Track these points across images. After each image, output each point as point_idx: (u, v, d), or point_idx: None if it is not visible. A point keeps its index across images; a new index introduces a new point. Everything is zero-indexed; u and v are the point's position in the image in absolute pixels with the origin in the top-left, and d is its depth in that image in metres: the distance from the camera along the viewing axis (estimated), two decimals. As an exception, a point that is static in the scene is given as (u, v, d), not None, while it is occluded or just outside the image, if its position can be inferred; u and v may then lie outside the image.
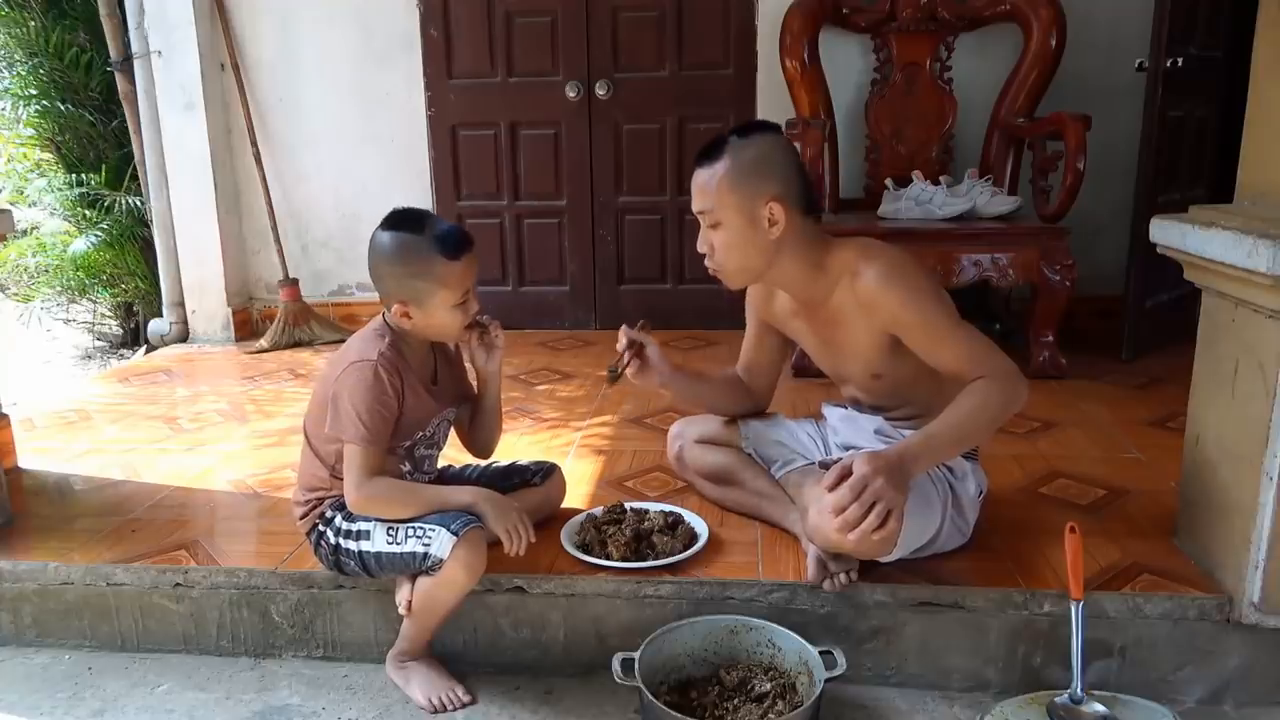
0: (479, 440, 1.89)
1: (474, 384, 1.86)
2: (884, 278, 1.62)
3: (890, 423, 1.80)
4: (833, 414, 1.92)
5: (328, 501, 1.71)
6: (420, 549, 1.59)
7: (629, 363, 1.80)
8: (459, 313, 1.65)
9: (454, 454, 2.08)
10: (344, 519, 1.68)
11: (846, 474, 1.46)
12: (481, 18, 3.62)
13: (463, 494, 1.68)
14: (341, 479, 1.65)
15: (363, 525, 1.65)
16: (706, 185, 1.64)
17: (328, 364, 1.70)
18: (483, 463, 1.96)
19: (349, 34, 3.67)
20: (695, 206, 1.68)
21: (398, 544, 1.61)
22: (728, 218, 1.64)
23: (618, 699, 1.67)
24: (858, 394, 1.84)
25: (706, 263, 1.72)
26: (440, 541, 1.57)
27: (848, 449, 1.83)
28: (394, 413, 1.64)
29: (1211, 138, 3.22)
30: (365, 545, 1.65)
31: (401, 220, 1.63)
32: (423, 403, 1.70)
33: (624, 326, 1.83)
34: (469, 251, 1.63)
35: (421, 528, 1.60)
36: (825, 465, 1.77)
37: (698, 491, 2.06)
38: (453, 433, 1.88)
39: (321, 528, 1.71)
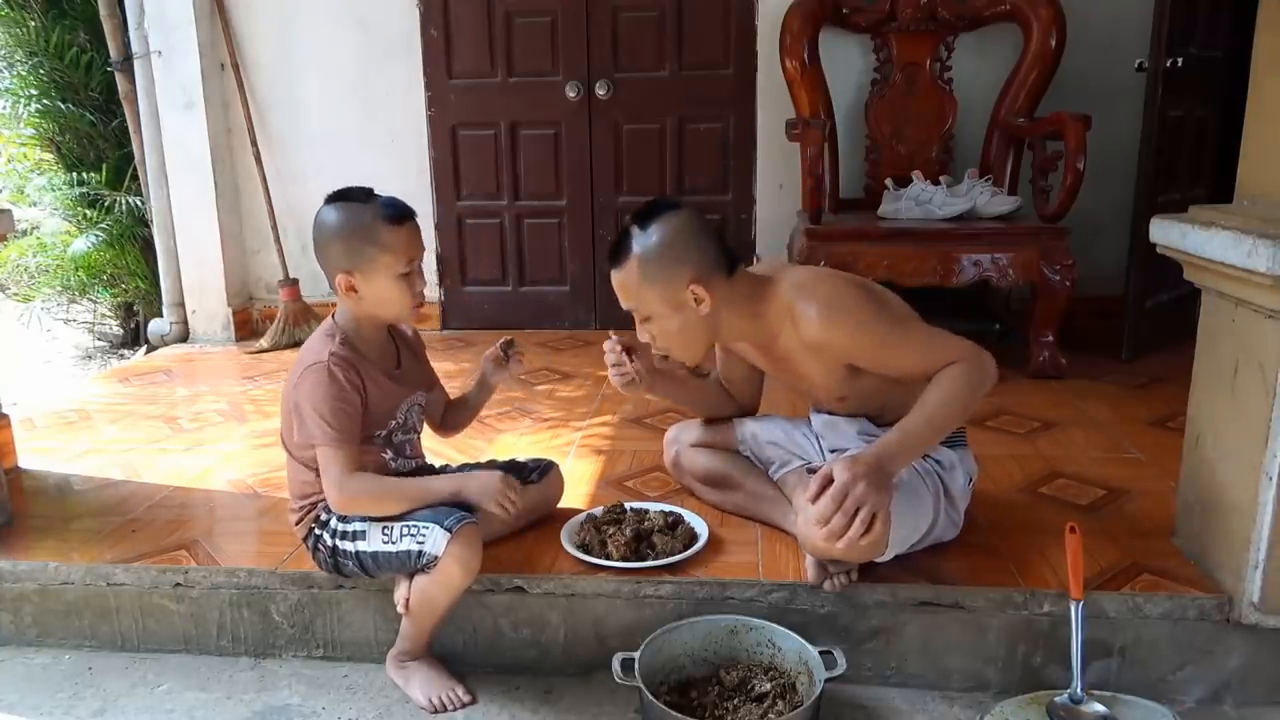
0: (450, 424, 1.95)
1: (437, 374, 1.90)
2: (824, 318, 1.61)
3: (872, 423, 1.81)
4: (817, 420, 1.91)
5: (321, 505, 1.70)
6: (415, 547, 1.59)
7: (629, 366, 1.81)
8: (404, 284, 1.65)
9: (451, 452, 2.08)
10: (339, 520, 1.68)
11: (828, 483, 1.46)
12: (481, 18, 3.62)
13: (446, 482, 1.69)
14: None
15: (358, 525, 1.66)
16: (625, 285, 1.67)
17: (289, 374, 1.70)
18: (483, 461, 1.99)
19: (349, 34, 3.67)
20: (623, 305, 1.70)
21: (393, 543, 1.61)
22: (655, 310, 1.66)
23: (618, 699, 1.67)
24: (831, 409, 1.85)
25: (653, 350, 1.74)
26: (434, 538, 1.57)
27: (835, 452, 1.82)
28: (357, 408, 1.64)
29: (1211, 138, 3.22)
30: (361, 545, 1.65)
31: (345, 194, 1.66)
32: (387, 392, 1.70)
33: (608, 342, 1.83)
34: (411, 220, 1.65)
35: (415, 525, 1.60)
36: (811, 471, 1.78)
37: (695, 496, 2.06)
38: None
39: (318, 531, 1.70)
